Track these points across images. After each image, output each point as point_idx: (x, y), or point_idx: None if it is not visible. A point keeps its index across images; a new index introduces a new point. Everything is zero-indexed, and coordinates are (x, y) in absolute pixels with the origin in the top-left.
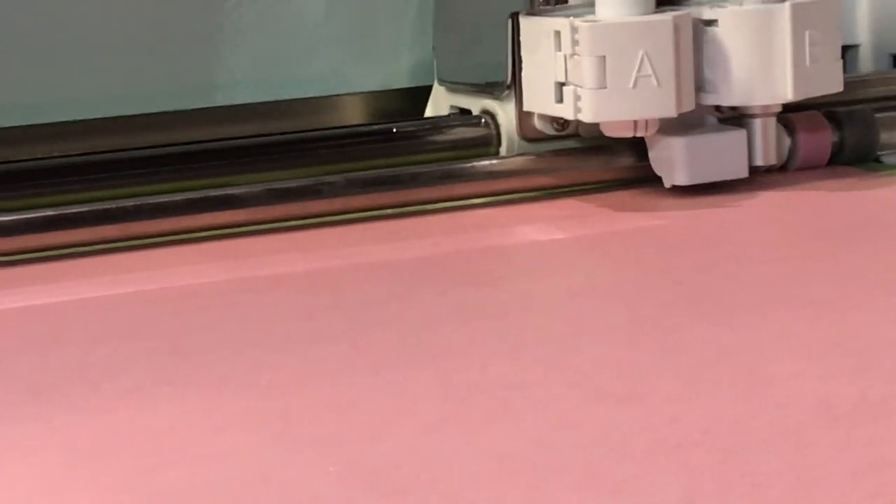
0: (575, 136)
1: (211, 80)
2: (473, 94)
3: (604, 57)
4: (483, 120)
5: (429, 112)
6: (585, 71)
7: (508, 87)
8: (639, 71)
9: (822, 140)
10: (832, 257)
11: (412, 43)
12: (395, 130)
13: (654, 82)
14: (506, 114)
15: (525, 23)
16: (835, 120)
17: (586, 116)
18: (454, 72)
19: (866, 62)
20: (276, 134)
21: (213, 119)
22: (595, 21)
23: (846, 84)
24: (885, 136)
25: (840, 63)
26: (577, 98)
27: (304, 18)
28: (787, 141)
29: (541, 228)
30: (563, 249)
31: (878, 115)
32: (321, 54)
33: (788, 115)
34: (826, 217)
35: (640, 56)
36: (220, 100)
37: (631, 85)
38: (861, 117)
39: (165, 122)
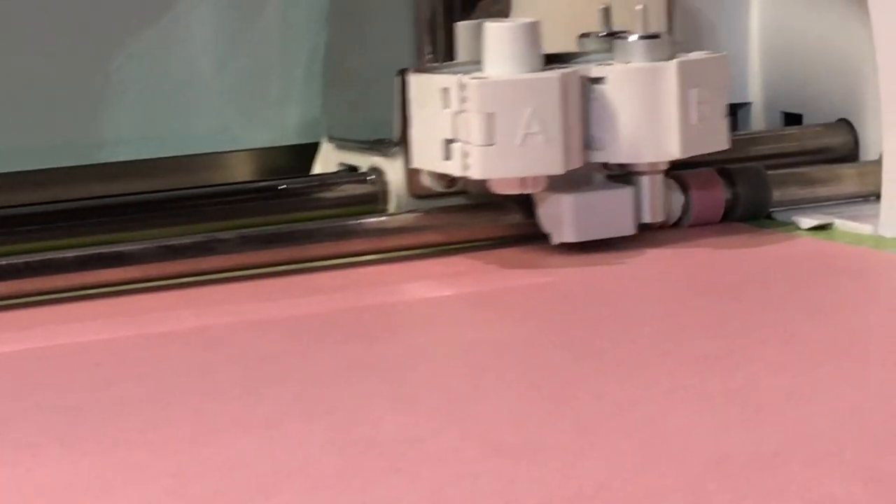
0: (463, 192)
1: (98, 136)
2: (362, 151)
3: (492, 114)
4: (371, 177)
5: (316, 169)
6: (474, 128)
7: (397, 144)
8: (526, 128)
9: (715, 197)
10: (718, 313)
11: (301, 100)
12: (284, 187)
13: (542, 139)
14: (394, 171)
15: (414, 80)
16: (728, 177)
17: (475, 173)
18: (343, 129)
19: (758, 120)
20: (165, 191)
21: (102, 175)
22: (483, 78)
23: (739, 141)
24: (778, 194)
25: (727, 121)
26: (466, 155)
27: (191, 75)
28: (681, 198)
29: (430, 285)
30: (453, 306)
31: (770, 172)
32: (209, 111)
33: (682, 171)
34: (713, 273)
35: (527, 113)
36: (107, 156)
37: (518, 142)
38: (754, 174)
39: (52, 178)
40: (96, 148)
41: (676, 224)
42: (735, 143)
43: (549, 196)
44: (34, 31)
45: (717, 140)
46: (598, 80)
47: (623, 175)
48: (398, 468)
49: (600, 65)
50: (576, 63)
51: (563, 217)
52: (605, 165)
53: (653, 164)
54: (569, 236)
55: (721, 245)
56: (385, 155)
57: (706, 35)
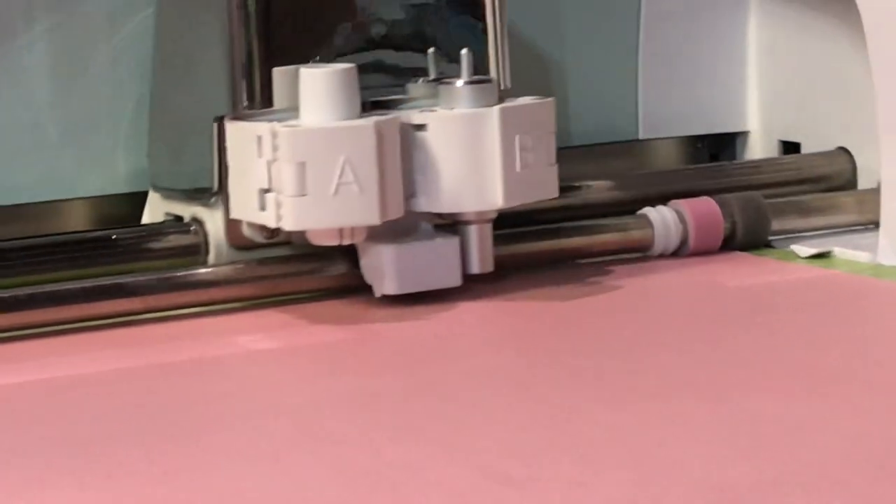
0: (287, 243)
1: None
2: (184, 201)
3: (303, 163)
4: (193, 227)
5: (145, 219)
6: (285, 177)
7: (215, 194)
8: (340, 178)
9: (713, 226)
10: (716, 342)
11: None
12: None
13: (356, 189)
14: (214, 221)
15: (230, 128)
16: (726, 206)
17: (287, 224)
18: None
19: (756, 148)
20: None
21: None
22: (295, 126)
23: (737, 170)
24: (776, 223)
25: (555, 168)
26: (279, 205)
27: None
28: (680, 227)
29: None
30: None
31: (768, 200)
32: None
33: (680, 200)
34: (708, 301)
35: (340, 162)
36: None
37: (332, 192)
38: (752, 204)
39: None
40: None
41: (675, 253)
42: (733, 171)
43: (372, 247)
44: None
45: (545, 188)
46: (420, 127)
47: (451, 224)
48: None
49: (423, 111)
50: (400, 108)
51: (384, 269)
52: (440, 214)
53: (480, 213)
54: (390, 288)
55: (718, 273)
56: (205, 205)
57: (705, 66)
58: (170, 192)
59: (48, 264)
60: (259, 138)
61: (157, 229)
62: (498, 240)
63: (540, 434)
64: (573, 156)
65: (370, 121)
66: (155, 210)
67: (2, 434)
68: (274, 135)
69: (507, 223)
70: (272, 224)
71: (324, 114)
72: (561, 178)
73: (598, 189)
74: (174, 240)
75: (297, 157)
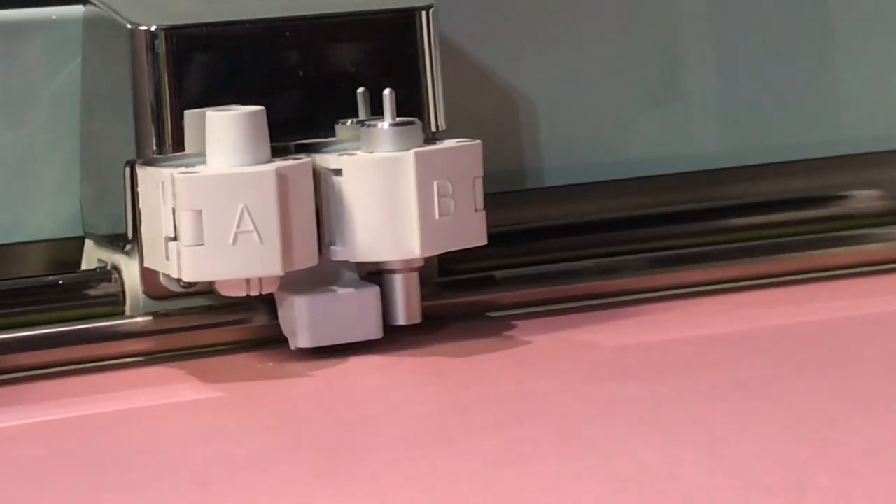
0: (207, 293)
1: None
2: (107, 248)
3: (200, 211)
4: (113, 276)
5: (83, 265)
6: (182, 226)
7: (130, 242)
8: (238, 226)
9: None
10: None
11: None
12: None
13: (257, 238)
14: (129, 270)
15: (140, 173)
16: None
17: (186, 275)
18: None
19: None
20: None
21: None
22: (192, 173)
23: None
24: None
25: (481, 214)
26: (179, 255)
27: None
28: None
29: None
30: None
31: None
32: None
33: None
34: None
35: (239, 210)
36: None
37: (230, 241)
38: None
39: None
40: None
41: None
42: None
43: (286, 297)
44: None
45: (470, 236)
46: (337, 172)
47: (377, 273)
48: None
49: (341, 154)
50: (326, 152)
51: (296, 321)
52: (359, 263)
53: (406, 262)
54: (303, 341)
55: None
56: (121, 252)
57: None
58: (97, 238)
59: None
60: (162, 185)
61: (88, 277)
62: None
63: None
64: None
65: (272, 166)
66: (90, 257)
67: None
68: (172, 181)
69: None
70: (174, 274)
71: (227, 159)
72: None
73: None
74: (104, 287)
75: (194, 204)
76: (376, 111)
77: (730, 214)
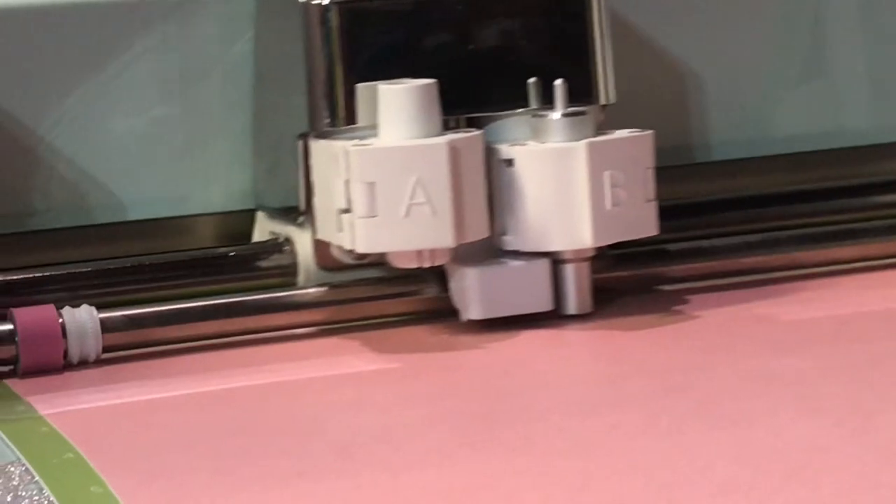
0: (378, 265)
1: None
2: (280, 220)
3: (374, 183)
4: (286, 248)
5: (255, 237)
6: (356, 198)
7: (303, 214)
8: (411, 198)
9: None
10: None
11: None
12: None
13: (429, 210)
14: (302, 242)
15: (314, 146)
16: None
17: (360, 246)
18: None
19: None
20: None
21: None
22: (365, 145)
23: None
24: None
25: (653, 204)
26: (353, 227)
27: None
28: None
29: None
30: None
31: None
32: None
33: None
34: None
35: (412, 182)
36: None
37: (403, 213)
38: None
39: None
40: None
41: None
42: None
43: (457, 269)
44: None
45: (642, 226)
46: (509, 162)
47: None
48: None
49: (512, 145)
50: (497, 143)
51: (467, 292)
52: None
53: (578, 252)
54: (474, 313)
55: None
56: (295, 224)
57: None
58: (270, 211)
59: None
60: (336, 157)
61: (260, 249)
62: None
63: None
64: None
65: (444, 139)
66: (262, 229)
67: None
68: (346, 154)
69: None
70: (347, 245)
71: (400, 131)
72: None
73: None
74: (276, 259)
75: (367, 176)
76: (547, 91)
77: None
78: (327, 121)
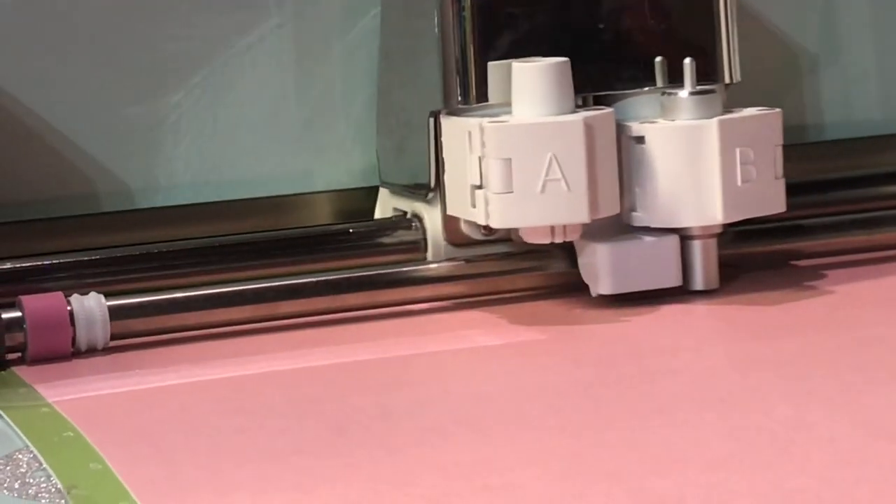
0: (507, 240)
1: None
2: (407, 197)
3: (509, 159)
4: (414, 223)
5: (377, 214)
6: (491, 174)
7: (432, 190)
8: (547, 174)
9: None
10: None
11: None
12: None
13: (564, 186)
14: (431, 218)
15: (445, 123)
16: None
17: (494, 222)
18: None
19: None
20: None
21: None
22: (501, 122)
23: None
24: None
25: (781, 182)
26: (487, 202)
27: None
28: None
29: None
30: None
31: None
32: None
33: None
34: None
35: (547, 159)
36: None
37: (539, 189)
38: None
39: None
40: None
41: None
42: None
43: (587, 245)
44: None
45: (770, 203)
46: (639, 140)
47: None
48: None
49: (642, 122)
50: (627, 121)
51: (598, 268)
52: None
53: (706, 228)
54: (605, 288)
55: None
56: (423, 201)
57: None
58: (395, 188)
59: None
60: (469, 134)
61: (384, 225)
62: None
63: None
64: None
65: (579, 116)
66: (385, 205)
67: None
68: (482, 130)
69: None
70: (481, 221)
71: (534, 109)
72: None
73: None
74: (400, 235)
75: (503, 153)
76: (672, 70)
77: None
78: (460, 98)
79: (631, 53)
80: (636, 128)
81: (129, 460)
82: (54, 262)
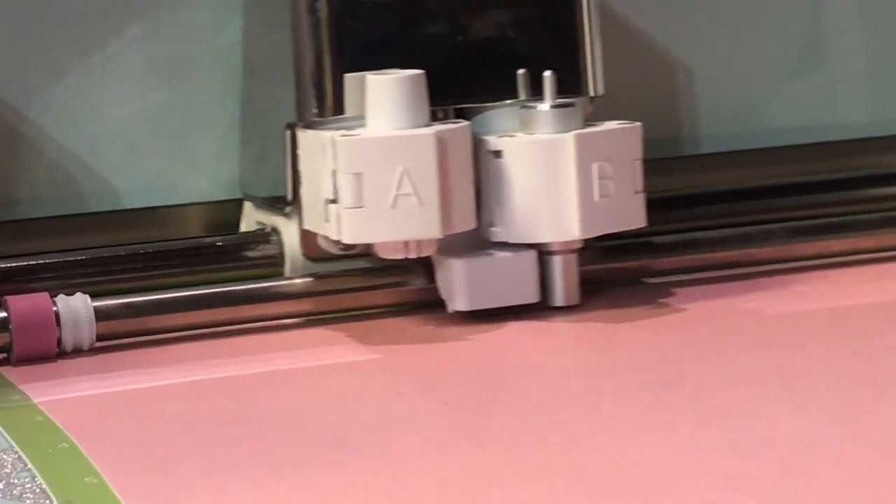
0: (366, 255)
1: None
2: (267, 210)
3: (360, 174)
4: (273, 238)
5: (242, 227)
6: (343, 188)
7: (290, 204)
8: (398, 189)
9: None
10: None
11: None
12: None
13: (416, 201)
14: (289, 232)
15: (301, 136)
16: None
17: (345, 237)
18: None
19: None
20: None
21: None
22: (352, 136)
23: None
24: None
25: (641, 196)
26: (339, 217)
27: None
28: None
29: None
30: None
31: None
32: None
33: None
34: None
35: (399, 173)
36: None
37: (390, 204)
38: None
39: None
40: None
41: None
42: None
43: (444, 260)
44: None
45: (630, 218)
46: (497, 154)
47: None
48: None
49: (501, 136)
50: (486, 134)
51: (454, 283)
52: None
53: (566, 244)
54: (461, 304)
55: None
56: (281, 214)
57: None
58: (257, 201)
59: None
60: (323, 147)
61: (249, 238)
62: None
63: None
64: None
65: (431, 130)
66: (249, 219)
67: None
68: (333, 144)
69: None
70: (333, 236)
71: (387, 122)
72: None
73: None
74: (263, 249)
75: (354, 167)
76: (535, 82)
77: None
78: (315, 111)
79: (493, 66)
80: (493, 142)
81: (123, 471)
82: (40, 262)
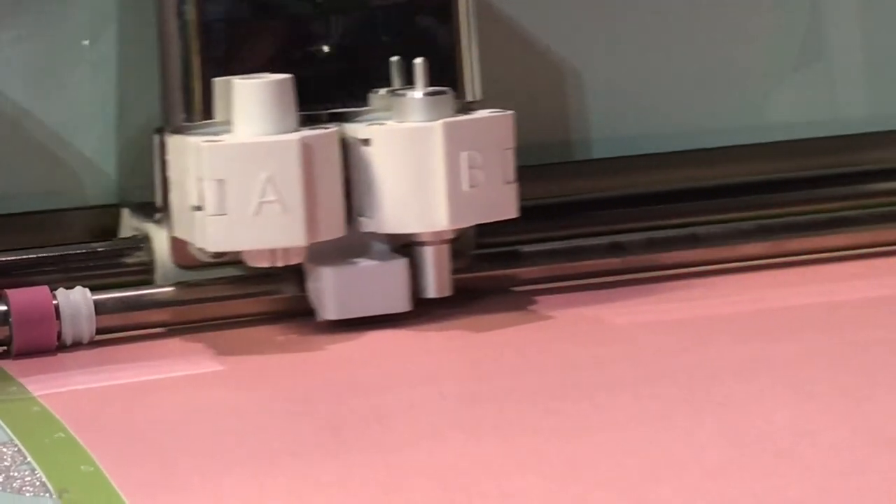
0: (238, 263)
1: None
2: (140, 216)
3: (223, 180)
4: (143, 245)
5: (122, 234)
6: (206, 195)
7: (160, 211)
8: (262, 196)
9: None
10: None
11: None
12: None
13: (279, 208)
14: (159, 239)
15: (170, 141)
16: None
17: (209, 245)
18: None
19: None
20: None
21: None
22: (215, 142)
23: None
24: None
25: (513, 186)
26: (203, 224)
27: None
28: None
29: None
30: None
31: None
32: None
33: None
34: None
35: (262, 180)
36: None
37: (253, 211)
38: None
39: None
40: None
41: None
42: None
43: (314, 269)
44: None
45: (501, 208)
46: (365, 142)
47: (407, 245)
48: None
49: (370, 125)
50: (357, 121)
51: (323, 292)
52: (390, 235)
53: (437, 234)
54: (330, 313)
55: None
56: (152, 221)
57: None
58: (132, 207)
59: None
60: (189, 153)
61: (127, 245)
62: None
63: None
64: None
65: (296, 136)
66: (126, 225)
67: None
68: (197, 150)
69: None
70: (199, 244)
71: (253, 127)
72: None
73: None
74: (139, 256)
75: (217, 173)
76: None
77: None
78: (183, 115)
79: (368, 70)
80: (362, 129)
81: (120, 461)
82: (40, 255)
